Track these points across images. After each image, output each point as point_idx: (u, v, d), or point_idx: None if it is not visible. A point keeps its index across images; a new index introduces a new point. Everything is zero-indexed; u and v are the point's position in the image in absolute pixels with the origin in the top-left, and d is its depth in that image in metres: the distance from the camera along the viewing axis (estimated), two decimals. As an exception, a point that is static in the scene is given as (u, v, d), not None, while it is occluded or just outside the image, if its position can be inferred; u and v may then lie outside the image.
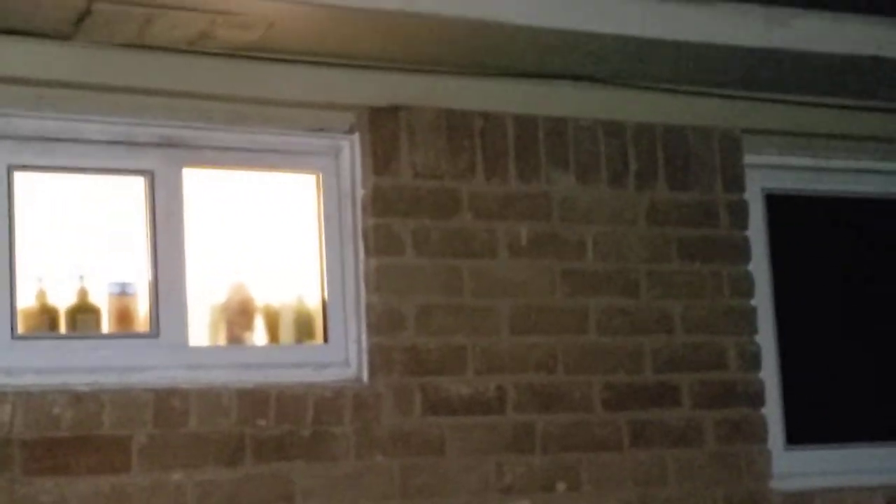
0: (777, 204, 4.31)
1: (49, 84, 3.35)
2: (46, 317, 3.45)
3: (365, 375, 3.60)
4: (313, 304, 3.72)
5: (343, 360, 3.64)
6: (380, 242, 3.64)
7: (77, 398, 3.27)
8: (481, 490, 3.63)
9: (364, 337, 3.63)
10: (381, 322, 3.61)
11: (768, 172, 4.29)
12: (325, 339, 3.67)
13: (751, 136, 4.17)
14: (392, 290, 3.63)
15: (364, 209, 3.67)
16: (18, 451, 3.19)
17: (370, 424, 3.54)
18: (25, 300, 3.41)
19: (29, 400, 3.22)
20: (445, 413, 3.63)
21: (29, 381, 3.28)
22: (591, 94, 3.92)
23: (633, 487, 3.81)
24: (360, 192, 3.69)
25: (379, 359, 3.59)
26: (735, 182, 4.13)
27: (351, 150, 3.72)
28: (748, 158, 4.17)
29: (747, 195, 4.16)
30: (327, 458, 3.47)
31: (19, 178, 3.40)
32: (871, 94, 4.16)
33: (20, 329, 3.37)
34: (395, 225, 3.66)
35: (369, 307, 3.63)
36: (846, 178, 4.41)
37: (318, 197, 3.72)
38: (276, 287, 3.73)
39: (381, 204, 3.66)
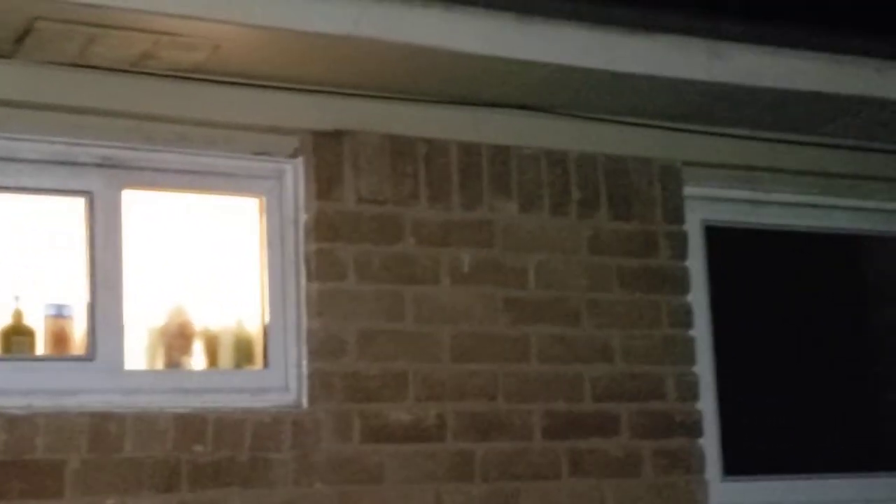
0: (716, 235, 4.34)
1: (-12, 101, 3.31)
2: (-20, 338, 3.39)
3: (305, 401, 3.57)
4: (254, 328, 3.69)
5: (283, 385, 3.61)
6: (322, 267, 3.62)
7: (10, 421, 3.21)
8: (420, 518, 3.61)
9: (304, 362, 3.60)
10: (322, 347, 3.59)
11: (708, 204, 4.32)
12: (265, 364, 3.64)
13: (691, 167, 4.21)
14: (333, 315, 3.61)
15: (307, 234, 3.65)
16: (-52, 476, 3.12)
17: (309, 451, 3.51)
18: (-41, 321, 3.35)
19: (-40, 423, 3.16)
20: (385, 440, 3.60)
21: (-39, 403, 3.22)
22: (535, 123, 3.95)
23: (572, 516, 3.81)
24: (303, 217, 3.67)
25: (319, 384, 3.57)
26: (675, 213, 4.16)
27: (294, 174, 3.70)
28: (688, 190, 4.21)
29: (687, 226, 4.19)
30: (265, 485, 3.44)
31: (-46, 197, 3.35)
32: (812, 128, 4.22)
33: (-47, 350, 3.31)
34: (337, 250, 3.64)
35: (310, 332, 3.61)
36: (785, 212, 4.46)
37: (261, 220, 3.70)
38: (215, 311, 3.70)
39: (323, 229, 3.64)
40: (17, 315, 3.43)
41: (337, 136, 3.69)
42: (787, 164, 4.33)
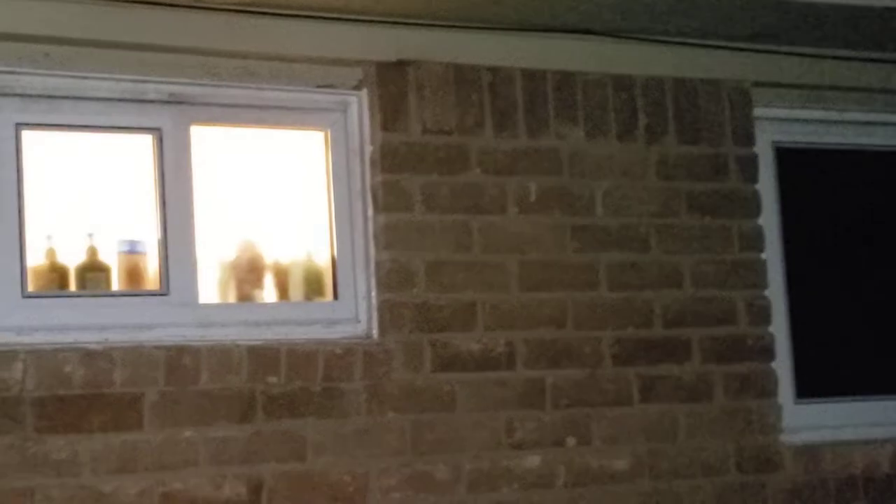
0: (787, 157, 4.28)
1: (56, 41, 3.33)
2: (56, 275, 3.45)
3: (375, 332, 3.60)
4: (323, 261, 3.72)
5: (353, 316, 3.64)
6: (389, 199, 3.63)
7: (88, 356, 3.28)
8: (492, 446, 3.64)
9: (374, 294, 3.63)
10: (391, 278, 3.61)
11: (778, 125, 4.26)
12: (335, 296, 3.67)
13: (760, 89, 4.14)
14: (401, 246, 3.62)
15: (373, 166, 3.66)
16: (30, 409, 3.20)
17: (381, 381, 3.55)
18: (35, 259, 3.40)
19: (40, 358, 3.23)
20: (456, 369, 3.63)
21: (40, 339, 3.29)
22: (600, 48, 3.90)
23: (643, 442, 3.82)
24: (368, 149, 3.67)
25: (389, 315, 3.59)
26: (745, 135, 4.10)
27: (359, 106, 3.70)
28: (758, 111, 4.15)
29: (757, 149, 4.13)
30: (338, 415, 3.48)
31: (27, 136, 3.39)
32: (883, 45, 4.12)
33: (30, 287, 3.37)
34: (403, 181, 3.65)
35: (379, 264, 3.63)
36: (857, 131, 4.38)
37: (327, 153, 3.71)
38: (285, 244, 3.73)
39: (389, 160, 3.64)
40: (92, 252, 3.49)
41: (400, 66, 3.68)
42: (858, 82, 4.23)
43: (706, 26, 3.88)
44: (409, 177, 3.65)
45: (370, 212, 3.66)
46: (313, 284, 3.75)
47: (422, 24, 3.68)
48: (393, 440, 3.53)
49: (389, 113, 3.66)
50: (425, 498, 3.55)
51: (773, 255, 4.16)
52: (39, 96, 3.39)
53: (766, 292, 4.08)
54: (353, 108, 3.71)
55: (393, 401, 3.55)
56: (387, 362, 3.56)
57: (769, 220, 4.17)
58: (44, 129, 3.43)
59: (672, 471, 3.85)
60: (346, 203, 3.68)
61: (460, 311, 3.65)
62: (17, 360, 3.21)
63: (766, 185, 4.18)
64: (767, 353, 4.05)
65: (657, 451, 3.83)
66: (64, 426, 3.22)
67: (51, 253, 3.44)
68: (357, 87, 3.68)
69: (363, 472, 3.50)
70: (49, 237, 3.44)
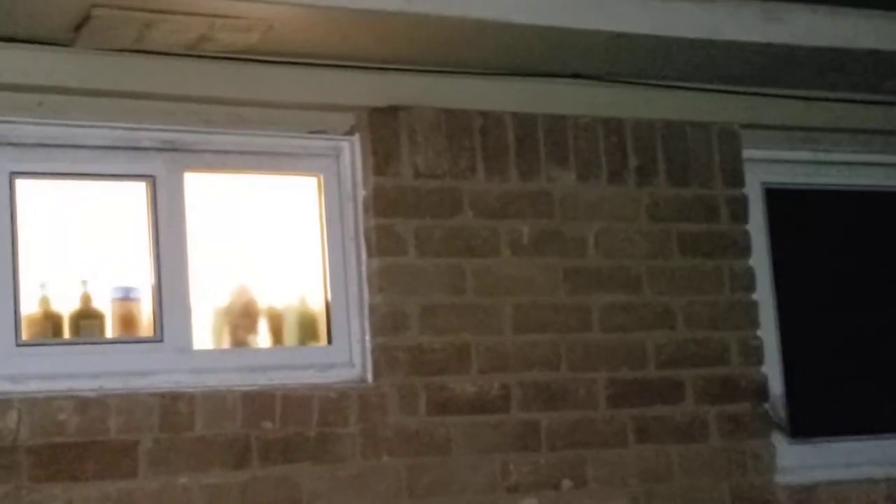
0: (777, 198, 4.31)
1: (50, 90, 3.35)
2: (50, 323, 3.44)
3: (369, 376, 3.60)
4: (316, 305, 3.73)
5: (347, 360, 3.64)
6: (382, 243, 3.64)
7: (83, 404, 3.27)
8: (488, 489, 3.63)
9: (368, 337, 3.63)
10: (385, 322, 3.61)
11: (767, 167, 4.29)
12: (329, 341, 3.67)
13: (750, 130, 4.18)
14: (395, 290, 3.63)
15: (366, 210, 3.68)
16: (25, 458, 3.19)
17: (376, 425, 3.54)
18: (29, 307, 3.40)
19: (34, 406, 3.22)
20: (451, 412, 3.63)
21: (34, 387, 3.28)
22: (590, 92, 3.93)
23: (638, 483, 3.81)
24: (361, 193, 3.69)
25: (383, 359, 3.60)
26: (735, 177, 4.13)
27: (351, 151, 3.72)
28: (747, 153, 4.18)
29: (747, 190, 4.16)
30: (334, 460, 3.48)
31: (21, 185, 3.40)
32: (871, 87, 4.16)
33: (24, 336, 3.37)
34: (397, 225, 3.66)
35: (373, 307, 3.63)
36: (846, 171, 4.41)
37: (320, 198, 3.73)
38: (279, 289, 3.73)
39: (382, 204, 3.66)
40: (86, 299, 3.49)
41: (392, 111, 3.70)
42: (847, 123, 4.28)
43: (694, 70, 3.91)
44: (402, 220, 3.67)
45: (364, 256, 3.67)
46: (307, 329, 3.76)
47: (413, 70, 3.72)
48: (389, 484, 3.52)
49: (382, 157, 3.68)
50: (422, 542, 3.54)
51: (764, 295, 4.18)
52: (33, 145, 3.40)
53: (759, 332, 4.09)
54: (346, 153, 3.73)
55: (388, 444, 3.54)
56: (382, 406, 3.56)
57: (760, 260, 4.19)
58: (38, 178, 3.44)
59: (668, 512, 3.85)
60: (340, 247, 3.69)
61: (455, 353, 3.66)
62: (12, 409, 3.20)
63: (757, 226, 4.20)
64: (761, 393, 4.05)
65: (653, 492, 3.83)
66: (59, 474, 3.20)
67: (44, 301, 3.44)
68: (349, 133, 3.71)
69: (359, 518, 3.49)
70: (43, 285, 3.44)
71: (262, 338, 3.71)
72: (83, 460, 3.23)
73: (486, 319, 3.71)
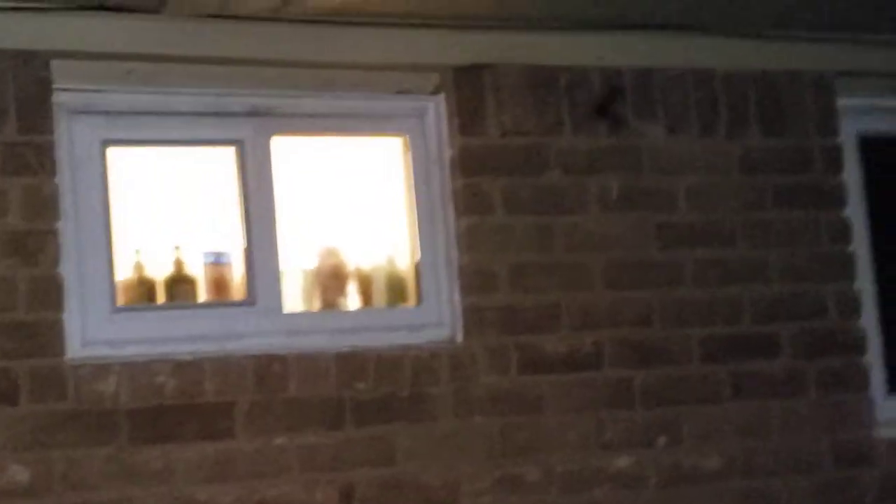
0: (872, 147, 4.22)
1: (139, 58, 3.38)
2: (144, 288, 3.49)
3: (460, 336, 3.60)
4: (405, 266, 3.73)
5: (437, 321, 3.64)
6: (469, 202, 3.63)
7: (179, 367, 3.31)
8: (582, 447, 3.62)
9: (457, 297, 3.63)
10: (474, 282, 3.60)
11: (862, 115, 4.19)
12: (419, 301, 3.68)
13: (844, 78, 4.08)
14: (484, 249, 3.62)
15: (452, 169, 3.66)
16: (125, 421, 3.24)
17: (467, 385, 3.54)
18: (123, 273, 3.45)
19: (133, 370, 3.28)
20: (542, 371, 3.62)
21: (131, 352, 3.33)
22: (678, 43, 3.86)
23: (735, 439, 3.78)
24: (447, 153, 3.68)
25: (473, 319, 3.59)
26: (829, 126, 4.05)
27: (436, 112, 3.70)
28: (841, 101, 4.09)
29: (841, 139, 4.07)
30: (427, 419, 3.49)
31: (112, 152, 3.44)
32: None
33: (119, 301, 3.41)
34: (484, 184, 3.64)
35: (461, 267, 3.63)
36: (944, 118, 4.30)
37: (406, 159, 3.72)
38: (367, 251, 3.75)
39: (469, 164, 3.64)
40: (179, 264, 3.53)
41: (477, 70, 3.68)
42: (945, 68, 4.16)
43: (786, 17, 3.82)
44: (488, 179, 3.65)
45: (451, 215, 3.66)
46: (396, 290, 3.76)
47: (496, 27, 3.68)
48: (481, 444, 3.53)
49: (467, 117, 3.66)
50: (517, 501, 3.54)
51: (860, 246, 4.10)
52: (124, 113, 3.44)
53: (855, 284, 4.02)
54: (431, 114, 3.71)
55: (480, 404, 3.54)
56: (472, 366, 3.56)
57: (855, 211, 4.11)
58: (129, 146, 3.48)
59: (765, 468, 3.80)
60: (427, 207, 3.68)
61: (545, 312, 3.64)
62: (111, 374, 3.26)
63: (852, 176, 4.12)
64: (858, 346, 3.98)
65: (750, 448, 3.79)
66: (158, 437, 3.26)
67: (138, 266, 3.49)
68: (434, 93, 3.69)
69: (453, 476, 3.50)
70: (137, 251, 3.49)
71: (352, 299, 3.73)
72: (181, 422, 3.28)
73: (575, 277, 3.69)
